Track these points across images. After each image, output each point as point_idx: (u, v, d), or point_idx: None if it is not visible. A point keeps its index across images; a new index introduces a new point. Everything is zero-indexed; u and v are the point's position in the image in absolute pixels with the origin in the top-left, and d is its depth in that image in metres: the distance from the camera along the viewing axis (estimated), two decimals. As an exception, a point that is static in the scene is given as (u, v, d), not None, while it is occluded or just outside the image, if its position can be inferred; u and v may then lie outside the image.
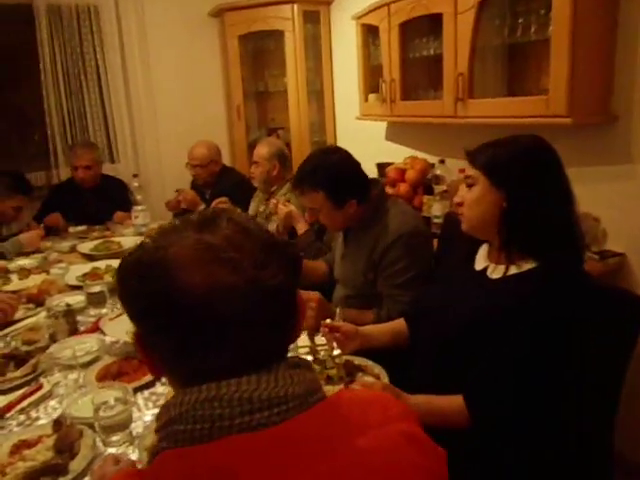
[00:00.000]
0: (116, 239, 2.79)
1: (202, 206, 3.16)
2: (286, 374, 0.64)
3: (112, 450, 1.20)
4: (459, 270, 1.41)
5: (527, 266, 1.22)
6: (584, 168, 2.18)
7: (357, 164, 1.83)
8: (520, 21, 2.14)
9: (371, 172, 3.17)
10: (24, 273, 2.34)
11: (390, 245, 1.70)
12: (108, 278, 2.18)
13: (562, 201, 1.22)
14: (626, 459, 2.00)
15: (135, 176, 3.25)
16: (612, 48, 1.99)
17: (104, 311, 1.90)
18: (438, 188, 2.65)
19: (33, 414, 1.36)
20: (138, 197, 2.99)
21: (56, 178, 3.68)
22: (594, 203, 2.14)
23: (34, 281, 2.24)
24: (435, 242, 2.03)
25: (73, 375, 1.48)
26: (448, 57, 2.36)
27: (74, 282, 2.20)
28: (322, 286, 1.99)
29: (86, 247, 2.70)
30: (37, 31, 3.52)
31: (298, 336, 0.74)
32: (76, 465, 1.13)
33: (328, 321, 1.55)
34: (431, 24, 2.53)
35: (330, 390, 1.31)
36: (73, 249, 2.75)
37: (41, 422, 1.32)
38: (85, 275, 2.24)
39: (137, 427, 1.25)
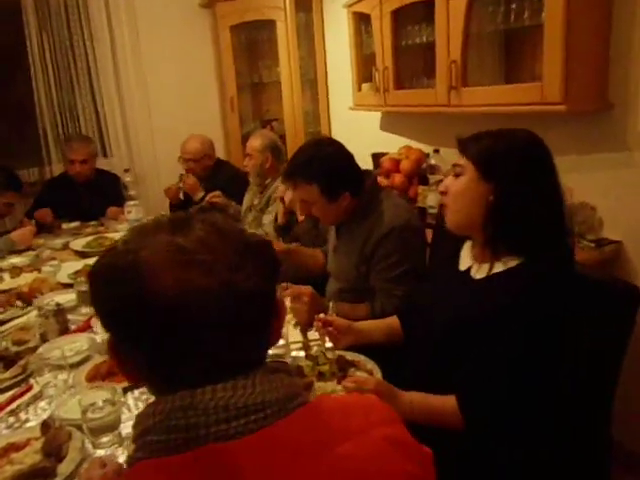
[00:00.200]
0: (109, 235, 2.77)
1: (202, 193, 3.14)
2: (264, 379, 0.62)
3: (101, 452, 1.19)
4: (444, 269, 1.39)
5: (512, 263, 1.20)
6: (580, 156, 2.15)
7: (351, 156, 1.80)
8: (513, 7, 2.10)
9: (366, 163, 3.14)
10: (16, 271, 2.32)
11: (383, 238, 1.67)
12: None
13: (553, 198, 1.20)
14: (625, 449, 1.99)
15: (127, 171, 3.22)
16: (607, 34, 1.95)
17: (96, 309, 1.88)
18: (433, 178, 2.62)
19: (22, 416, 1.35)
20: (131, 192, 2.96)
21: (49, 174, 3.65)
22: (590, 191, 2.12)
23: (26, 279, 2.22)
24: (430, 233, 2.01)
25: (63, 375, 1.47)
26: (440, 44, 2.32)
27: (66, 280, 2.18)
28: (315, 279, 1.98)
29: (79, 244, 2.67)
30: (25, 24, 3.48)
31: (278, 340, 0.73)
32: (64, 468, 1.12)
33: (322, 316, 1.53)
34: (423, 11, 2.49)
35: (322, 387, 1.30)
36: (66, 246, 2.73)
37: (30, 424, 1.31)
38: (77, 272, 2.22)
39: (126, 428, 1.23)
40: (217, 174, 3.29)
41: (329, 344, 1.49)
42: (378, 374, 1.33)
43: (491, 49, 2.34)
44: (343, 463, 0.61)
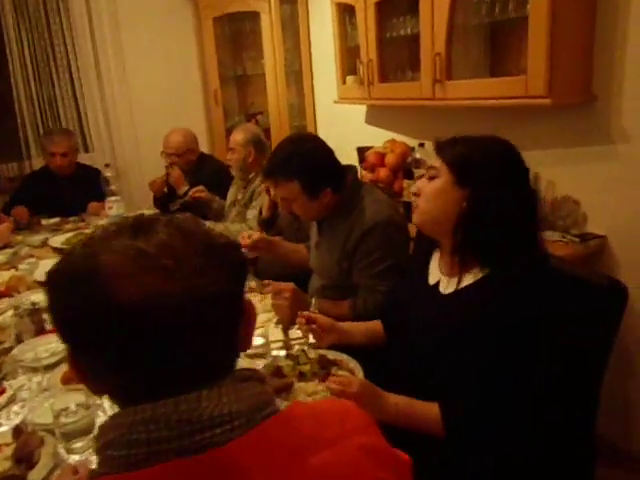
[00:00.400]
0: (89, 231, 2.71)
1: (186, 187, 3.10)
2: (231, 389, 0.59)
3: (75, 457, 1.15)
4: (415, 279, 1.36)
5: (480, 274, 1.18)
6: (563, 149, 2.14)
7: (331, 151, 1.76)
8: (498, -2, 2.08)
9: (351, 156, 3.11)
10: (-8, 269, 2.26)
11: (365, 234, 1.65)
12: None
13: (528, 204, 1.18)
14: (611, 445, 2.00)
15: (107, 165, 3.15)
16: (592, 26, 1.93)
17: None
18: (418, 172, 2.59)
19: (-6, 420, 1.31)
20: (112, 187, 2.90)
21: (28, 168, 3.56)
22: (574, 185, 2.11)
23: (2, 277, 2.16)
24: (414, 227, 1.99)
25: (37, 378, 1.43)
26: (425, 36, 2.29)
27: (43, 278, 2.12)
28: (299, 276, 1.95)
29: (58, 241, 2.61)
30: (1, 16, 3.38)
31: (249, 345, 0.70)
32: (35, 475, 1.08)
33: (305, 313, 1.50)
34: (408, 2, 2.46)
35: (303, 387, 1.28)
36: (45, 243, 2.67)
37: (3, 429, 1.26)
38: (55, 270, 2.16)
39: (101, 432, 1.20)
40: (201, 168, 3.24)
41: (312, 341, 1.47)
42: (360, 373, 1.31)
43: (476, 42, 2.32)
44: (316, 474, 0.58)
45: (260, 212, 2.62)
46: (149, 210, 3.26)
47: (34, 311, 1.69)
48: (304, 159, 1.67)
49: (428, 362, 1.23)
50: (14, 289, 2.03)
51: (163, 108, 3.86)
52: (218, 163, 3.36)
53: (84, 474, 1.01)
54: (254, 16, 3.68)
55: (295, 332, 1.55)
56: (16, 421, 1.26)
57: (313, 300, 1.64)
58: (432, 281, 1.28)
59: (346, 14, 2.99)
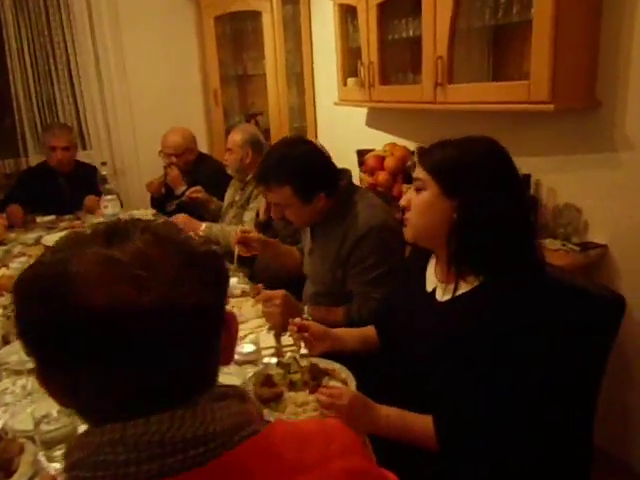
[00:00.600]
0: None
1: (183, 187, 3.07)
2: (207, 409, 0.56)
3: (56, 466, 1.11)
4: (411, 286, 1.32)
5: (476, 282, 1.14)
6: (565, 156, 2.11)
7: (325, 155, 1.72)
8: (502, 1, 2.04)
9: (351, 159, 3.08)
10: (-18, 268, 2.23)
11: (359, 240, 1.61)
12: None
13: (520, 208, 1.14)
14: (612, 456, 1.97)
15: (104, 164, 3.11)
16: (597, 30, 1.90)
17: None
18: (418, 176, 2.56)
19: (-25, 425, 1.27)
20: (108, 186, 2.87)
21: (25, 165, 3.54)
22: (576, 193, 2.08)
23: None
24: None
25: (22, 381, 1.39)
26: (427, 39, 2.25)
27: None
28: (293, 279, 1.92)
29: (51, 239, 2.56)
30: (0, 12, 3.35)
31: (230, 359, 0.66)
32: (13, 484, 1.04)
33: (297, 320, 1.46)
34: (410, 4, 2.42)
35: (293, 397, 1.24)
36: (38, 241, 2.64)
37: (-17, 434, 1.23)
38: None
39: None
40: (199, 168, 3.21)
41: (304, 350, 1.43)
42: (352, 383, 1.27)
43: (479, 45, 2.29)
44: None
45: (257, 214, 2.58)
46: (146, 210, 3.24)
47: (22, 312, 1.65)
48: (297, 163, 1.63)
49: (423, 369, 1.20)
50: (4, 288, 1.99)
51: (163, 107, 3.83)
52: (216, 163, 3.33)
53: (62, 485, 0.97)
54: (256, 16, 3.65)
55: (287, 339, 1.51)
56: (-2, 426, 1.23)
57: (306, 307, 1.60)
58: (429, 288, 1.25)
59: (348, 15, 2.96)
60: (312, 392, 1.22)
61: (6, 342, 1.60)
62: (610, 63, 1.88)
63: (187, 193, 2.99)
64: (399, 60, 2.66)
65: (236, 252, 1.94)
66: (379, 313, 1.46)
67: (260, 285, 1.89)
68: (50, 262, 0.56)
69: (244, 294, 1.82)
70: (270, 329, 1.59)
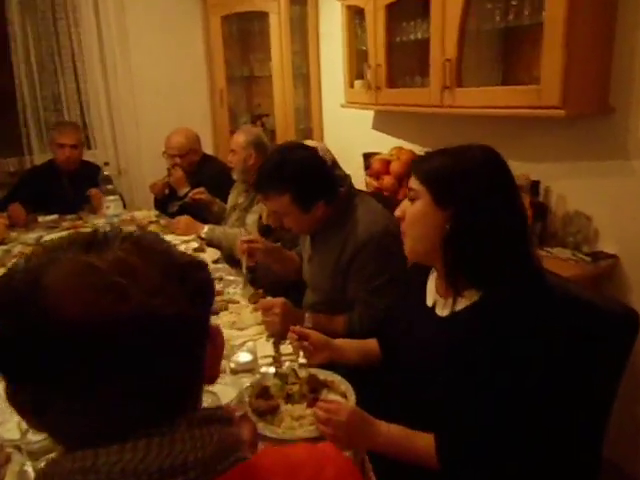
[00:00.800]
0: (85, 231, 2.64)
1: (187, 188, 3.03)
2: (187, 435, 0.51)
3: (43, 477, 1.08)
4: (412, 300, 1.28)
5: (475, 297, 1.09)
6: (576, 162, 2.06)
7: (324, 161, 1.66)
8: (513, 3, 2.00)
9: (357, 162, 3.04)
10: (-19, 268, 2.20)
11: (360, 248, 1.56)
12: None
13: (515, 219, 1.08)
14: (622, 471, 1.91)
15: (106, 164, 3.08)
16: (610, 35, 1.84)
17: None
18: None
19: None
20: (110, 186, 2.84)
21: (29, 164, 3.52)
22: (586, 200, 2.02)
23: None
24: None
25: (12, 387, 1.35)
26: (435, 41, 2.21)
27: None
28: (295, 284, 1.88)
29: (51, 240, 2.55)
30: (7, 10, 3.33)
31: (214, 379, 0.62)
32: (-3, 496, 1.01)
33: (297, 327, 1.42)
34: (419, 6, 2.38)
35: (290, 410, 1.19)
36: (39, 242, 2.60)
37: (-30, 443, 1.19)
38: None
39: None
40: (202, 169, 3.17)
41: (302, 360, 1.39)
42: (352, 397, 1.22)
43: (488, 48, 2.24)
44: None
45: (260, 217, 2.54)
46: (149, 211, 3.21)
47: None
48: (295, 170, 1.57)
49: (424, 385, 1.15)
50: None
51: (168, 107, 3.80)
52: (221, 165, 3.29)
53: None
54: (263, 16, 3.62)
55: (287, 347, 1.47)
56: (-15, 435, 1.19)
57: (307, 315, 1.56)
58: (429, 302, 1.20)
59: (356, 17, 2.92)
60: (310, 406, 1.17)
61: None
62: (625, 68, 1.83)
63: (190, 194, 2.96)
64: (406, 63, 2.62)
65: (244, 263, 1.90)
66: (381, 325, 1.41)
67: (260, 291, 1.85)
68: (22, 270, 0.53)
69: (246, 291, 1.78)
70: (269, 337, 1.55)
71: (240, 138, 2.64)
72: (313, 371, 1.31)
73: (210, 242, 2.60)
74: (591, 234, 2.00)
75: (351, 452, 1.07)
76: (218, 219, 2.92)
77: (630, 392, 1.81)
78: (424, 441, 1.08)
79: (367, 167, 2.94)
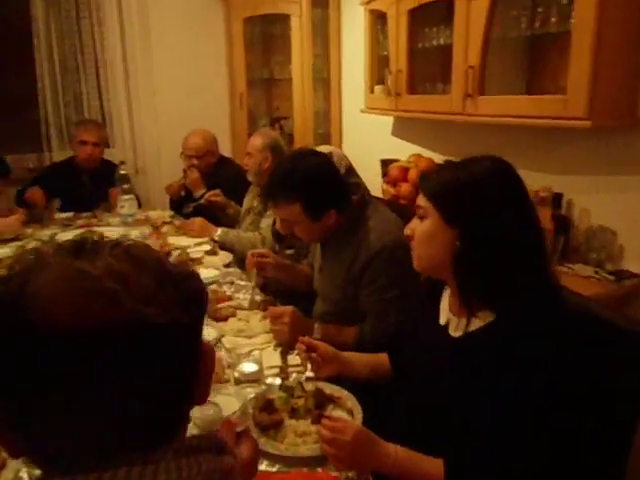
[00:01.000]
0: (99, 229, 2.64)
1: (202, 190, 3.01)
2: (173, 465, 0.48)
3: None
4: (426, 316, 1.23)
5: (489, 318, 1.03)
6: (602, 176, 1.99)
7: (336, 168, 1.61)
8: (540, 10, 1.95)
9: (375, 168, 3.00)
10: (-6, 263, 2.20)
11: (372, 259, 1.51)
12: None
13: (527, 237, 1.02)
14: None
15: (122, 163, 3.08)
16: (640, 44, 1.78)
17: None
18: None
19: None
20: (125, 186, 2.83)
21: (48, 161, 3.54)
22: (611, 215, 1.95)
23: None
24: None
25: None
26: (458, 48, 2.16)
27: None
28: (302, 295, 1.84)
29: (65, 238, 2.54)
30: (32, 7, 3.36)
31: (204, 399, 0.58)
32: (-10, 503, 0.98)
33: (306, 338, 1.37)
34: (442, 11, 2.34)
35: (294, 425, 1.15)
36: (53, 239, 2.60)
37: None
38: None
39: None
40: (219, 171, 3.15)
41: (309, 373, 1.34)
42: (359, 415, 1.17)
43: (512, 56, 2.18)
44: None
45: (274, 222, 2.51)
46: (163, 211, 3.20)
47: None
48: (305, 177, 1.52)
49: (434, 407, 1.10)
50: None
51: (188, 108, 3.80)
52: (237, 167, 3.26)
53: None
54: (284, 19, 3.60)
55: (294, 358, 1.43)
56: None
57: (316, 325, 1.51)
58: (442, 320, 1.15)
59: (379, 21, 2.88)
60: (314, 422, 1.13)
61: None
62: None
63: (206, 196, 2.94)
64: (428, 69, 2.58)
65: (254, 278, 1.88)
66: (393, 341, 1.36)
67: (270, 298, 1.81)
68: (6, 277, 0.50)
69: (252, 306, 1.74)
70: (277, 346, 1.51)
71: (257, 141, 2.61)
72: (320, 385, 1.27)
73: (223, 245, 2.57)
74: (615, 251, 1.93)
75: (354, 473, 1.03)
76: (233, 222, 2.89)
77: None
78: (432, 466, 1.03)
79: (385, 174, 2.89)
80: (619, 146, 1.90)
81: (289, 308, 1.51)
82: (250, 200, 2.82)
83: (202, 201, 2.97)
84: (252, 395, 1.26)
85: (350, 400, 1.22)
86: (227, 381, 1.34)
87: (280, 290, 1.97)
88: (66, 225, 2.86)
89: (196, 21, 3.81)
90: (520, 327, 0.98)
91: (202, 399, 0.57)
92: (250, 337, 1.58)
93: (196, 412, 1.12)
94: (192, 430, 1.13)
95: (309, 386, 1.26)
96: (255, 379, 1.34)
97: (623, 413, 1.16)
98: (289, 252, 2.32)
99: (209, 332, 1.58)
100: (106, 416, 0.47)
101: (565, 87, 1.80)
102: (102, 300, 0.47)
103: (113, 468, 0.46)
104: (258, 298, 1.82)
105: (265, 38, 3.91)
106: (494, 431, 0.97)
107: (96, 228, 2.69)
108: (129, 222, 2.81)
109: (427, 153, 2.82)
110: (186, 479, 0.47)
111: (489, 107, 2.09)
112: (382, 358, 1.37)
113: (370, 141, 3.37)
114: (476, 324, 1.04)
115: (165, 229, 2.76)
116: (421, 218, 1.09)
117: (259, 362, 1.39)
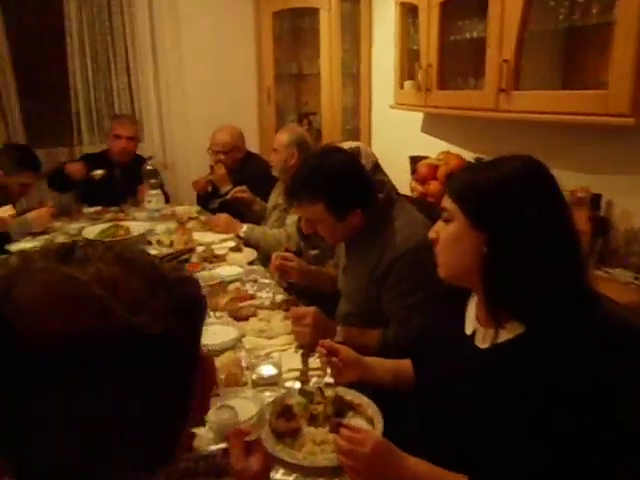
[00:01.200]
0: (125, 224, 2.65)
1: (229, 186, 3.00)
2: None
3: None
4: (452, 323, 1.16)
5: (519, 329, 0.96)
6: (645, 176, 1.88)
7: (361, 167, 1.56)
8: (580, 1, 1.84)
9: (403, 165, 2.93)
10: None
11: (396, 260, 1.46)
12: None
13: (561, 242, 0.95)
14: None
15: (150, 158, 3.09)
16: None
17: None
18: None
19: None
20: (152, 181, 2.84)
21: (79, 155, 3.58)
22: (654, 218, 1.84)
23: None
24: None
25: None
26: (492, 41, 2.07)
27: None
28: (326, 295, 1.79)
29: (92, 232, 2.55)
30: (65, 4, 3.40)
31: (201, 418, 0.54)
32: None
33: (327, 341, 1.33)
34: (475, 3, 2.25)
35: (312, 433, 1.11)
36: (81, 232, 2.63)
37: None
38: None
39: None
40: (245, 167, 3.14)
41: (329, 379, 1.30)
42: (379, 424, 1.12)
43: (549, 49, 2.09)
44: None
45: (300, 219, 2.47)
46: (190, 206, 3.20)
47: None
48: (329, 176, 1.48)
49: (458, 419, 1.04)
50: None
51: (216, 103, 3.79)
52: (264, 163, 3.23)
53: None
54: (314, 13, 3.55)
55: (315, 361, 1.39)
56: None
57: (338, 327, 1.47)
58: (468, 330, 1.09)
59: (410, 15, 2.81)
60: (332, 431, 1.08)
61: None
62: None
63: (232, 192, 2.92)
64: (460, 63, 2.49)
65: (277, 280, 1.89)
66: (417, 347, 1.31)
67: (293, 297, 1.78)
68: None
69: (274, 305, 1.71)
70: (298, 348, 1.47)
71: (283, 137, 2.57)
72: (340, 391, 1.22)
73: (247, 242, 2.55)
74: (657, 255, 1.83)
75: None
76: (258, 219, 2.87)
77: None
78: None
79: (413, 171, 2.82)
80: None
81: (312, 309, 1.47)
82: (276, 197, 2.79)
83: (228, 197, 2.96)
84: (270, 399, 1.23)
85: (371, 408, 1.18)
86: (245, 384, 1.31)
87: (304, 290, 1.93)
88: (94, 219, 2.89)
89: (225, 15, 3.80)
90: (553, 341, 0.91)
91: (200, 417, 0.53)
92: (271, 338, 1.55)
93: (211, 416, 1.09)
94: (208, 434, 1.11)
95: (329, 392, 1.22)
96: (274, 382, 1.30)
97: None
98: (314, 253, 2.28)
99: (229, 331, 1.56)
100: (90, 434, 0.44)
101: (606, 82, 1.70)
102: (89, 307, 0.45)
103: None
104: (280, 297, 1.79)
105: (294, 32, 3.87)
106: (525, 448, 0.91)
107: (123, 222, 2.70)
108: (155, 217, 2.82)
109: (457, 150, 2.74)
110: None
111: (524, 103, 2.00)
112: (406, 365, 1.32)
113: (399, 137, 3.30)
114: (504, 336, 0.98)
115: (190, 224, 2.75)
116: (446, 221, 1.03)
117: (278, 365, 1.35)
